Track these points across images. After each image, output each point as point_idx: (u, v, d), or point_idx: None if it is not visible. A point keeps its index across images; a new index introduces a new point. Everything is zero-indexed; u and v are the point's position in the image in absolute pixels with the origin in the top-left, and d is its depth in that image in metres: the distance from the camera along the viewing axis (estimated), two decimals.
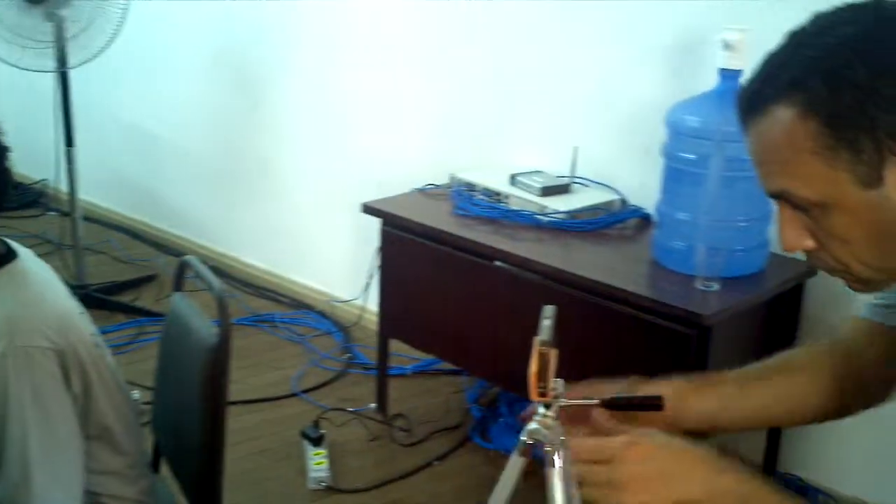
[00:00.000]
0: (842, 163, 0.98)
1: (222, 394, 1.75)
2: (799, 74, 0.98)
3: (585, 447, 1.14)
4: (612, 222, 2.83)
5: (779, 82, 1.00)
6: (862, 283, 1.09)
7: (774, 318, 2.61)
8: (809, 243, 1.07)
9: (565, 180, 2.95)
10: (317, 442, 2.97)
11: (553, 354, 1.19)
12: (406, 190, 3.15)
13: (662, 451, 1.11)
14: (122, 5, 3.60)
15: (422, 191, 3.13)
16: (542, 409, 1.20)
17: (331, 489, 2.83)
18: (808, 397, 1.34)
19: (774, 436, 2.79)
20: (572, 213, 2.80)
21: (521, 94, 3.22)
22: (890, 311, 1.28)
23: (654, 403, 1.22)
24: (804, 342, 1.40)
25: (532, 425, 1.17)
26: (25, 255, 1.77)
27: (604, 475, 1.10)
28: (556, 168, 3.02)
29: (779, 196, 1.05)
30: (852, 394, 1.34)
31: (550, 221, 2.79)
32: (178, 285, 1.98)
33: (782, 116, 0.99)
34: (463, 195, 2.97)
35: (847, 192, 0.99)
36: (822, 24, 1.01)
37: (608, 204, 2.89)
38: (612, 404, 1.24)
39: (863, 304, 1.32)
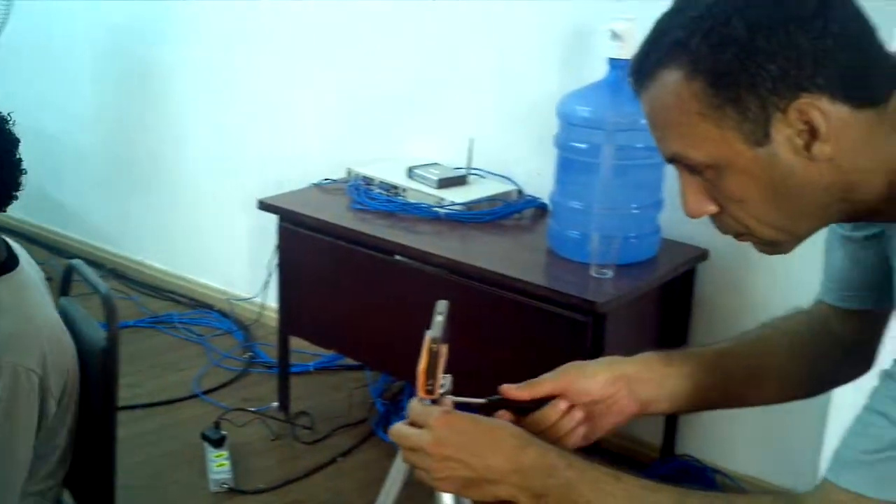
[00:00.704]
0: (729, 122, 0.97)
1: (112, 399, 1.72)
2: (682, 36, 0.98)
3: (415, 409, 1.16)
4: (508, 213, 2.85)
5: (663, 46, 1.00)
6: (767, 245, 1.08)
7: (668, 303, 2.65)
8: (712, 208, 1.06)
9: (462, 172, 2.96)
10: (218, 443, 2.93)
11: (444, 351, 1.19)
12: (304, 185, 3.12)
13: (473, 425, 1.13)
14: (5, 4, 3.50)
15: (319, 186, 3.11)
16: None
17: (233, 491, 2.79)
18: (782, 390, 1.35)
19: (672, 417, 2.84)
20: (469, 205, 2.80)
21: (417, 87, 3.22)
22: (847, 294, 1.28)
23: (546, 402, 1.23)
24: (752, 327, 1.37)
25: (412, 403, 1.17)
26: (25, 260, 1.74)
27: (415, 439, 1.12)
28: (454, 160, 3.02)
29: (673, 160, 1.05)
30: (824, 377, 1.35)
31: (448, 213, 2.79)
32: (65, 290, 1.93)
33: (669, 80, 0.99)
34: (360, 189, 2.95)
35: (737, 151, 0.99)
36: None
37: (505, 195, 2.90)
38: (495, 404, 1.24)
39: (820, 286, 1.32)
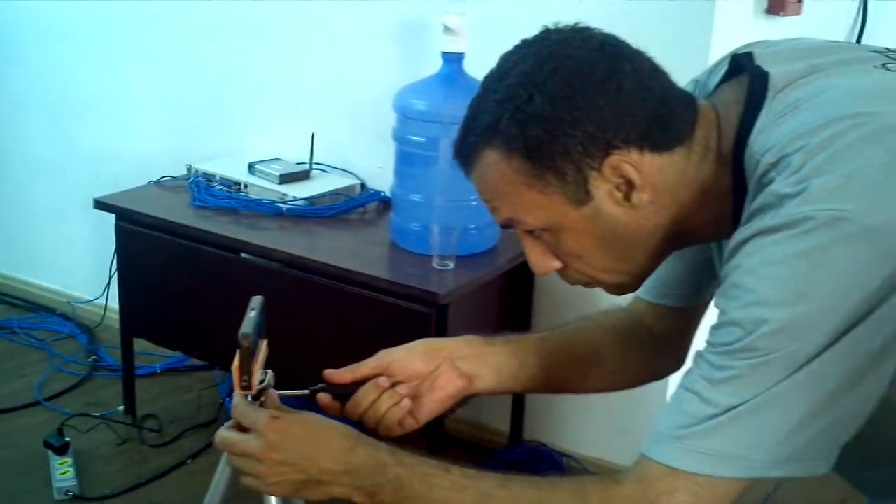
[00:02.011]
0: (552, 188, 1.05)
1: None
2: (491, 119, 1.05)
3: (242, 411, 1.16)
4: (352, 207, 2.85)
5: (478, 129, 1.07)
6: (615, 288, 1.17)
7: (510, 292, 2.70)
8: (556, 264, 1.14)
9: (304, 167, 2.94)
10: (61, 450, 2.84)
11: (262, 346, 1.20)
12: (143, 183, 3.06)
13: (302, 428, 1.14)
14: None
15: (158, 183, 3.05)
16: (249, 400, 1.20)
17: (78, 498, 2.72)
18: (601, 378, 1.40)
19: (518, 405, 2.89)
20: (312, 200, 2.79)
21: (256, 82, 3.18)
22: (665, 291, 1.34)
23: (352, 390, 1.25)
24: (594, 314, 1.43)
25: (235, 401, 1.16)
26: None
27: (244, 445, 1.13)
28: (296, 155, 3.01)
29: (509, 225, 1.11)
30: (640, 371, 1.41)
31: (291, 209, 2.78)
32: None
33: (490, 159, 1.06)
34: (200, 186, 2.91)
35: (564, 213, 1.06)
36: (503, 67, 1.07)
37: (348, 189, 2.90)
38: (319, 393, 1.25)
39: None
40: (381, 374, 1.27)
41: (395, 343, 2.33)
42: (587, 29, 1.08)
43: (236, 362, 1.13)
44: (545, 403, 2.88)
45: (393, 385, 1.26)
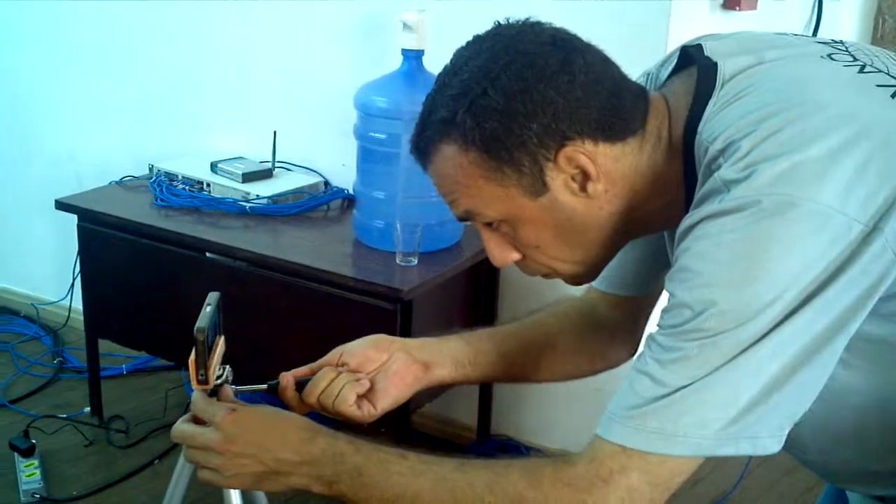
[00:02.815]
0: (509, 180, 1.07)
1: None
2: (447, 114, 1.06)
3: (198, 405, 1.18)
4: (315, 205, 2.85)
5: (434, 124, 1.08)
6: (572, 278, 1.19)
7: (475, 287, 2.72)
8: (515, 255, 1.15)
9: (267, 165, 2.95)
10: (27, 453, 2.83)
11: (220, 342, 1.21)
12: (105, 183, 3.05)
13: (260, 419, 1.15)
14: None
15: (120, 183, 3.04)
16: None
17: (45, 500, 2.71)
18: (557, 365, 1.42)
19: (486, 400, 2.91)
20: (275, 198, 2.80)
21: (217, 81, 3.18)
22: (617, 281, 1.37)
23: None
24: (551, 306, 1.46)
25: (194, 396, 1.18)
26: None
27: (202, 438, 1.14)
28: (259, 154, 3.01)
29: (468, 218, 1.13)
30: (594, 359, 1.43)
31: (254, 207, 2.78)
32: None
33: (447, 153, 1.08)
34: (162, 185, 2.91)
35: (522, 204, 1.08)
36: (457, 63, 1.09)
37: (311, 187, 2.91)
38: (276, 389, 1.26)
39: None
40: (336, 365, 1.29)
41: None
42: (538, 23, 1.10)
43: (192, 357, 1.14)
44: (513, 398, 2.91)
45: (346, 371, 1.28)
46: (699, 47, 1.11)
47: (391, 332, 2.31)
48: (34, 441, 2.87)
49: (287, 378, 1.29)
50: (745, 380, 0.95)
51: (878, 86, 1.02)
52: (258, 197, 2.79)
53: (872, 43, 3.15)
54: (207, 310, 1.17)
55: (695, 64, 1.10)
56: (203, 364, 1.14)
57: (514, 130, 1.04)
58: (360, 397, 1.27)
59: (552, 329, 1.40)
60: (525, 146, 1.05)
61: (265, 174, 2.92)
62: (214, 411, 1.15)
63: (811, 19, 3.10)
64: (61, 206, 2.88)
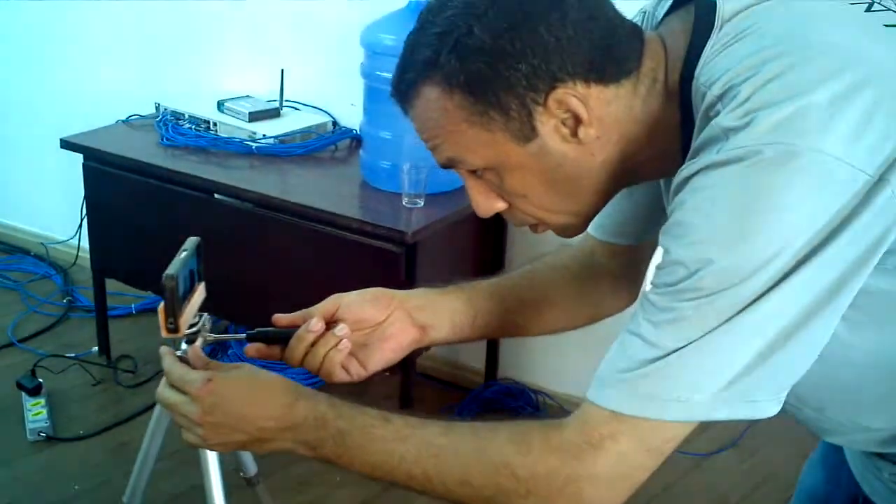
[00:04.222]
0: (496, 125, 1.00)
1: None
2: (430, 53, 0.99)
3: (174, 373, 1.14)
4: (323, 145, 2.80)
5: (416, 64, 1.01)
6: (563, 229, 1.13)
7: (483, 229, 2.67)
8: (500, 205, 1.09)
9: (274, 104, 2.89)
10: (34, 391, 2.83)
11: (199, 289, 1.18)
12: (112, 122, 3.01)
13: (238, 387, 1.12)
14: None
15: (126, 122, 3.00)
16: (184, 346, 1.18)
17: (51, 439, 2.71)
18: (556, 319, 1.37)
19: (494, 343, 2.88)
20: (282, 138, 2.75)
21: (225, 18, 3.12)
22: (615, 228, 1.31)
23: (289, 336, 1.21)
24: (541, 256, 1.40)
25: (165, 362, 1.14)
26: None
27: (182, 408, 1.11)
28: (267, 93, 2.95)
29: (450, 165, 1.06)
30: (593, 308, 1.38)
31: (260, 147, 2.73)
32: None
33: (430, 95, 1.01)
34: (168, 124, 2.86)
35: (509, 150, 1.02)
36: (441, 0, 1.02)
37: (319, 127, 2.86)
38: (256, 338, 1.22)
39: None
40: (332, 318, 1.24)
41: (366, 283, 2.33)
42: None
43: (162, 305, 1.11)
44: (521, 342, 2.87)
45: (331, 327, 1.23)
46: None
47: (396, 276, 2.35)
48: (41, 380, 2.87)
49: (251, 349, 1.24)
50: (742, 341, 0.90)
51: (887, 25, 0.96)
52: (264, 137, 2.74)
53: None
54: (182, 255, 1.13)
55: (693, 2, 1.03)
56: (172, 312, 1.10)
57: (502, 72, 0.98)
58: (350, 355, 1.22)
59: (551, 282, 1.35)
60: (513, 88, 0.98)
61: (272, 113, 2.87)
62: (190, 381, 1.11)
63: None
64: (66, 145, 2.85)
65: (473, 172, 1.07)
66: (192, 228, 2.65)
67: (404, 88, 1.04)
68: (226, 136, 2.79)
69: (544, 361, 2.87)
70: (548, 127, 1.01)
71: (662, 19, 1.09)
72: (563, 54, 0.98)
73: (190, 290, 1.16)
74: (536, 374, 2.88)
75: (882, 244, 0.89)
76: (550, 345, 2.82)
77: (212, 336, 1.21)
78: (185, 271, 1.13)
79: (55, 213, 3.64)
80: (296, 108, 2.95)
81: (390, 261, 2.36)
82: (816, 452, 1.37)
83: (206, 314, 1.18)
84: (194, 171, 2.65)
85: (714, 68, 0.95)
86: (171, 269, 1.10)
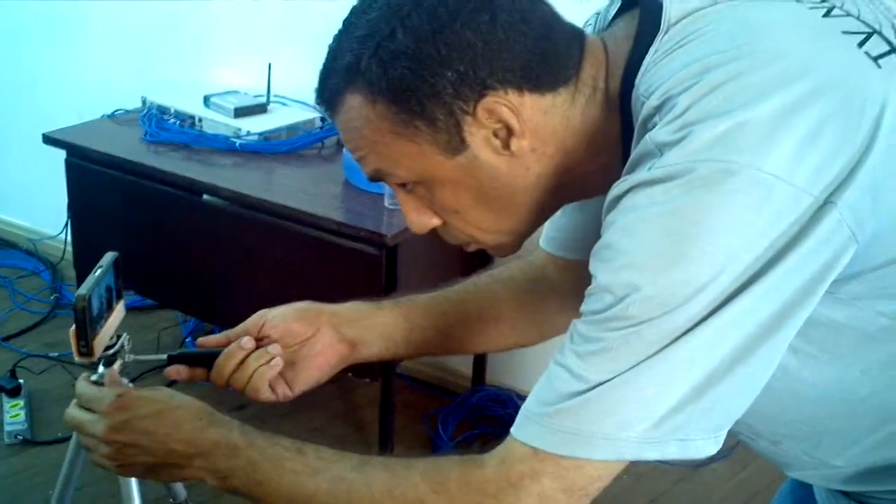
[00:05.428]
0: (423, 136, 0.93)
1: None
2: (352, 59, 0.93)
3: (84, 394, 1.08)
4: (309, 142, 2.73)
5: (339, 70, 0.94)
6: (497, 248, 1.05)
7: None
8: (435, 221, 1.02)
9: (262, 100, 2.82)
10: (13, 392, 2.78)
11: (117, 307, 1.12)
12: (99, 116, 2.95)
13: (149, 407, 1.06)
14: None
15: (111, 117, 2.93)
16: (101, 369, 1.12)
17: (28, 442, 2.66)
18: (501, 336, 1.31)
19: None
20: (266, 135, 2.68)
21: (215, 10, 3.04)
22: (567, 242, 1.24)
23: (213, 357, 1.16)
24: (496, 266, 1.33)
25: (77, 385, 1.08)
26: None
27: (91, 428, 1.06)
28: (256, 87, 2.88)
29: (378, 178, 0.99)
30: (541, 325, 1.31)
31: (244, 144, 2.66)
32: None
33: (353, 104, 0.94)
34: (153, 120, 2.79)
35: (437, 163, 0.95)
36: (366, 0, 0.94)
37: (307, 123, 2.78)
38: (178, 359, 1.16)
39: (542, 234, 1.27)
40: (257, 335, 1.17)
41: (347, 285, 2.27)
42: None
43: (74, 327, 1.04)
44: None
45: (260, 344, 1.17)
46: None
47: (377, 280, 2.28)
48: (21, 381, 2.82)
49: (173, 371, 1.19)
50: (674, 375, 0.82)
51: (845, 32, 0.87)
52: (248, 133, 2.67)
53: None
54: (96, 274, 1.07)
55: (639, 4, 0.95)
56: (84, 335, 1.03)
57: (427, 78, 0.90)
58: (277, 375, 1.16)
59: (497, 297, 1.27)
60: (439, 97, 0.91)
61: (259, 109, 2.80)
62: (100, 398, 1.06)
63: None
64: (49, 140, 2.79)
65: (403, 186, 0.99)
66: (173, 227, 2.65)
67: (327, 96, 0.98)
68: (211, 131, 2.72)
69: (533, 366, 2.77)
70: (478, 138, 0.93)
71: (610, 23, 1.01)
72: (493, 60, 0.90)
73: (107, 310, 1.09)
74: (526, 379, 2.80)
75: (830, 272, 0.81)
76: (541, 349, 2.73)
77: (132, 358, 1.14)
78: (101, 290, 1.07)
79: (44, 208, 3.58)
80: (284, 104, 2.87)
81: (370, 264, 2.29)
82: (786, 484, 1.28)
83: (125, 334, 1.12)
84: (175, 169, 2.58)
85: (654, 77, 0.87)
86: (83, 289, 1.04)
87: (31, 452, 2.65)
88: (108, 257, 1.12)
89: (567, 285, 1.24)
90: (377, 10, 0.92)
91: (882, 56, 0.85)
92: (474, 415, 2.75)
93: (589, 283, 1.23)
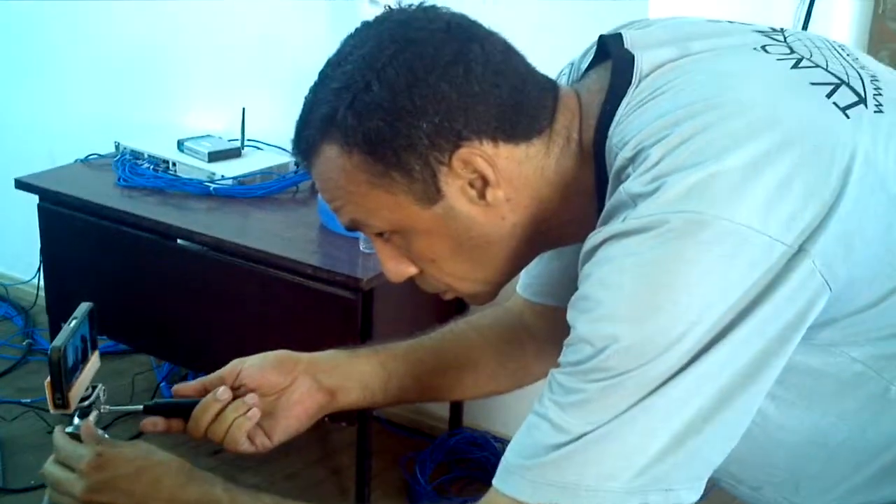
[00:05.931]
0: (399, 186, 0.94)
1: None
2: (328, 110, 0.94)
3: (62, 450, 1.08)
4: (283, 186, 2.73)
5: (315, 122, 0.96)
6: (473, 297, 1.06)
7: None
8: (412, 269, 1.03)
9: (236, 144, 2.83)
10: None
11: (92, 359, 1.11)
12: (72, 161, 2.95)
13: (127, 465, 1.06)
14: None
15: (85, 162, 2.93)
16: (77, 420, 1.11)
17: (1, 490, 2.63)
18: (477, 384, 1.31)
19: None
20: (240, 179, 2.68)
21: (190, 55, 3.06)
22: (544, 289, 1.25)
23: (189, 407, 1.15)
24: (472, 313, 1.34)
25: (55, 438, 1.07)
26: None
27: (69, 487, 1.05)
28: (230, 131, 2.89)
29: (355, 227, 1.00)
30: (519, 373, 1.32)
31: (218, 189, 2.66)
32: None
33: (329, 155, 0.95)
34: (126, 164, 2.79)
35: (413, 213, 0.96)
36: (342, 52, 0.97)
37: (281, 167, 2.78)
38: (154, 410, 1.16)
39: (520, 280, 1.28)
40: (233, 385, 1.17)
41: (323, 330, 2.26)
42: (434, 8, 0.97)
43: (49, 379, 1.03)
44: None
45: (237, 393, 1.16)
46: (619, 37, 0.97)
47: (353, 324, 2.28)
48: None
49: (148, 424, 1.17)
50: (654, 425, 0.83)
51: (813, 84, 0.89)
52: (223, 177, 2.67)
53: (873, 22, 2.97)
54: (71, 325, 1.06)
55: (612, 56, 0.96)
56: (60, 387, 1.03)
57: (402, 130, 0.91)
58: (256, 424, 1.16)
59: (474, 345, 1.28)
60: (414, 148, 0.92)
61: (233, 153, 2.80)
62: (79, 456, 1.06)
63: None
64: (21, 185, 2.78)
65: (380, 235, 1.00)
66: (147, 273, 2.64)
67: (304, 147, 0.99)
68: (185, 176, 2.72)
69: (510, 409, 2.78)
70: (453, 188, 0.95)
71: (583, 74, 1.03)
72: (468, 111, 0.92)
73: (82, 361, 1.09)
74: (502, 422, 2.80)
75: (805, 319, 0.82)
76: (516, 392, 2.73)
77: (107, 409, 1.13)
78: (76, 341, 1.06)
79: (16, 253, 3.56)
80: (258, 148, 2.88)
81: (346, 308, 2.29)
82: None
83: (100, 385, 1.11)
84: (149, 214, 2.58)
85: (627, 128, 0.89)
86: (58, 341, 1.03)
87: (4, 501, 2.62)
88: (83, 307, 1.12)
89: (544, 331, 1.24)
90: (353, 63, 0.94)
91: (850, 107, 0.87)
92: (452, 458, 2.74)
93: (566, 329, 1.25)
